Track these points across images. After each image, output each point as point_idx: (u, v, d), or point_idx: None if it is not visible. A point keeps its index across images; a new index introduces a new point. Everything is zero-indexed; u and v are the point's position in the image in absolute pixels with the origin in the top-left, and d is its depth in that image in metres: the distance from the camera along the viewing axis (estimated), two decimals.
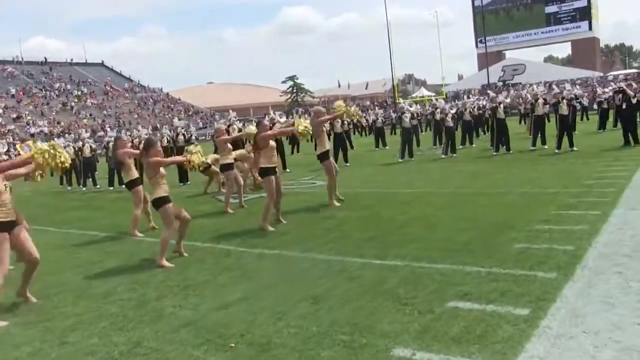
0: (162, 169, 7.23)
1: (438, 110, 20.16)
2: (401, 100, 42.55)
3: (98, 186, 19.41)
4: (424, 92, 71.79)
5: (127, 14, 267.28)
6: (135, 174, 9.53)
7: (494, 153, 17.18)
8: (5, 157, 34.19)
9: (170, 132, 22.28)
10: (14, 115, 60.69)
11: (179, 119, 59.48)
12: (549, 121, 19.21)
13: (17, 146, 29.42)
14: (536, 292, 4.65)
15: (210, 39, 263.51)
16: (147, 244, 8.54)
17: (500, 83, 66.54)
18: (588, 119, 29.81)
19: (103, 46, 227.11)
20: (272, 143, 9.03)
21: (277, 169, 9.07)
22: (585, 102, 30.59)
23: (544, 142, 17.13)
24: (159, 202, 7.09)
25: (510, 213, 8.05)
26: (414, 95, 74.03)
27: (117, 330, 4.79)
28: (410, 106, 24.36)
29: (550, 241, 6.27)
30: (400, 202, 10.05)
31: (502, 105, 17.73)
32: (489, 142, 18.70)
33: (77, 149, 20.17)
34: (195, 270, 6.60)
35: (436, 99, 28.03)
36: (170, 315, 5.05)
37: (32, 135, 53.85)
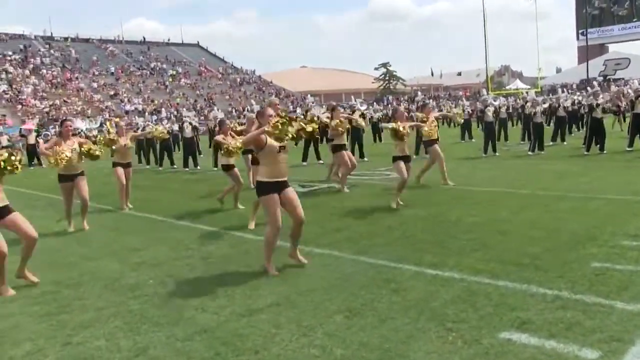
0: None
1: (528, 103, 18.78)
2: (484, 92, 40.49)
3: (175, 166, 19.58)
4: (519, 84, 68.81)
5: None
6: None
7: (585, 153, 15.74)
8: (95, 132, 35.75)
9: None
10: (112, 92, 63.33)
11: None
12: None
13: (108, 123, 30.41)
14: (611, 329, 3.81)
15: (301, 24, 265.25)
16: (199, 231, 8.22)
17: (601, 78, 62.27)
18: None
19: (198, 28, 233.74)
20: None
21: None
22: None
23: None
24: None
25: (593, 223, 7.04)
26: (508, 87, 71.00)
27: (129, 331, 4.41)
28: (495, 100, 23.04)
29: (638, 262, 5.31)
30: (474, 202, 9.21)
31: (601, 107, 16.21)
32: (583, 140, 17.20)
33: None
34: (235, 265, 6.16)
35: (526, 92, 26.39)
36: (189, 319, 4.60)
37: (127, 112, 56.01)
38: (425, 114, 11.92)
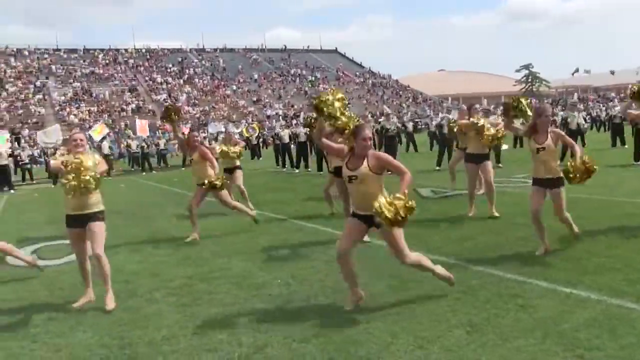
0: None
1: None
2: None
3: (309, 170, 20.05)
4: None
5: (353, 3, 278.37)
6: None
7: None
8: (238, 135, 37.47)
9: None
10: (255, 98, 66.49)
11: (408, 106, 59.58)
12: None
13: (254, 125, 31.53)
14: None
15: (436, 26, 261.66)
16: (326, 234, 8.32)
17: None
18: None
19: (336, 34, 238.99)
20: None
21: None
22: None
23: None
24: None
25: None
26: None
27: (250, 329, 4.59)
28: None
29: None
30: (620, 215, 8.45)
31: None
32: None
33: (292, 133, 21.20)
34: (358, 271, 6.10)
35: None
36: (308, 321, 4.68)
37: (268, 117, 58.43)
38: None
